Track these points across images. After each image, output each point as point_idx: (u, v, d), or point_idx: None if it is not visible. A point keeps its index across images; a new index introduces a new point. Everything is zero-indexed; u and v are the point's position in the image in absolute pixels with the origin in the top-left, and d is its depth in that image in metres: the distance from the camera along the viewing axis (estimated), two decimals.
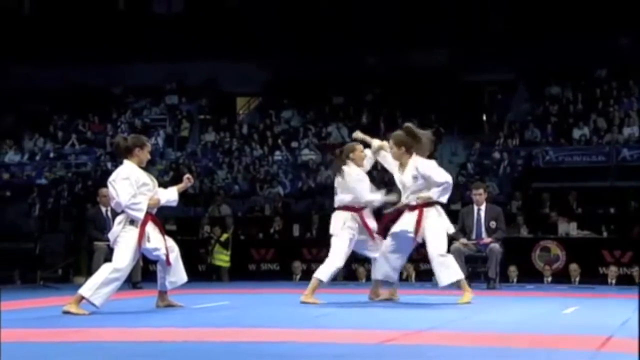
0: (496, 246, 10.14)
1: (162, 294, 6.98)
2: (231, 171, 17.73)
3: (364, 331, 5.18)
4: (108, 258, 10.31)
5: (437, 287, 7.63)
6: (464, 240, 10.15)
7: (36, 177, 18.41)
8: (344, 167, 7.54)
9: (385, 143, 7.59)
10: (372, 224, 7.54)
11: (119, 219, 6.61)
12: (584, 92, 17.80)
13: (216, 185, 17.19)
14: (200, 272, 13.22)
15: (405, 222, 7.28)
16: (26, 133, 20.00)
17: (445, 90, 18.42)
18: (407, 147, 7.26)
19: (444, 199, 7.32)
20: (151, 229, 6.63)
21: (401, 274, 12.79)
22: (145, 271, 10.98)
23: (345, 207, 7.49)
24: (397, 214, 7.44)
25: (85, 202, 15.14)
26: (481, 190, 10.52)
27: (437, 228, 7.23)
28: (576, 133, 16.58)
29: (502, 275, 10.71)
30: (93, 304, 6.30)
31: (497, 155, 16.62)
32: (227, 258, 13.49)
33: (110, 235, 6.66)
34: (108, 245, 10.38)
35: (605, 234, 13.20)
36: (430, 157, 7.53)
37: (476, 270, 10.35)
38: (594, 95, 17.64)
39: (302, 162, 17.80)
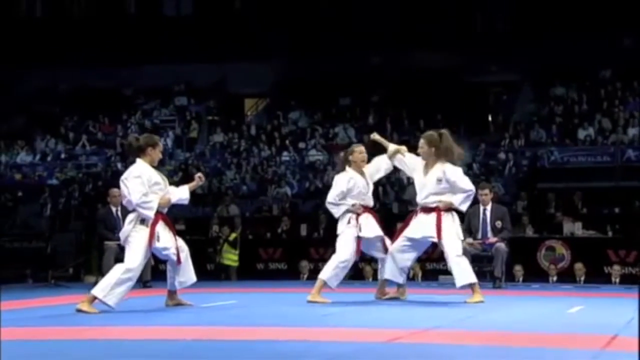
0: (502, 246, 10.22)
1: (172, 293, 7.07)
2: (239, 171, 17.84)
3: (371, 330, 5.23)
4: (118, 257, 10.47)
5: (443, 287, 7.74)
6: (470, 240, 10.22)
7: (47, 177, 18.54)
8: (347, 169, 7.69)
9: (402, 147, 7.69)
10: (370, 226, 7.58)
11: (129, 217, 6.68)
12: (589, 93, 17.83)
13: (224, 186, 17.30)
14: (209, 271, 13.31)
15: (426, 228, 7.36)
16: (38, 134, 20.15)
17: (451, 91, 18.47)
18: (437, 148, 7.36)
19: (464, 208, 7.44)
20: (161, 228, 6.69)
21: (407, 273, 12.95)
22: (155, 270, 11.10)
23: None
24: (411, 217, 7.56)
25: (96, 202, 15.26)
26: (487, 191, 10.60)
27: (452, 230, 7.37)
28: (581, 133, 16.63)
29: (507, 275, 10.76)
30: (107, 305, 6.38)
31: (502, 155, 16.68)
32: (236, 257, 13.60)
33: (121, 235, 6.74)
34: (119, 245, 10.52)
35: (610, 234, 13.24)
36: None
37: (482, 270, 10.41)
38: (598, 96, 17.67)
39: (309, 162, 17.89)
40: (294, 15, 20.52)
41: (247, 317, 6.29)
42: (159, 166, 14.66)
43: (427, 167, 7.43)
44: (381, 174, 7.85)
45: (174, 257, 6.83)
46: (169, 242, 6.77)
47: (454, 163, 7.47)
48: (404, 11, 19.56)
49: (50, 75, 20.53)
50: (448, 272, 7.88)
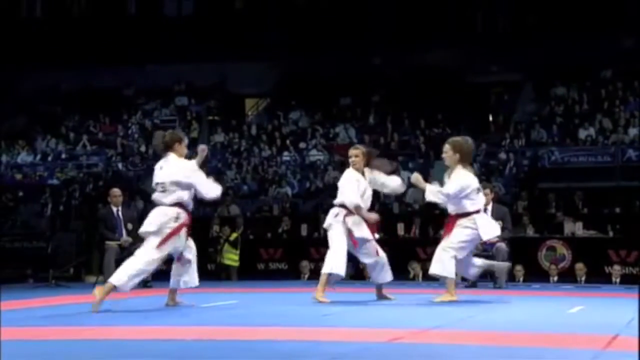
0: (502, 245, 10.23)
1: (173, 292, 7.11)
2: (240, 171, 17.85)
3: (371, 330, 5.25)
4: (118, 257, 10.51)
5: (443, 287, 7.75)
6: None
7: (48, 177, 18.57)
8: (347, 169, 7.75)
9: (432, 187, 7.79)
10: (360, 230, 7.58)
11: (170, 212, 6.73)
12: (590, 93, 17.83)
13: (225, 186, 17.29)
14: (210, 271, 13.33)
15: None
16: (38, 134, 20.18)
17: (452, 90, 18.48)
18: (462, 154, 7.52)
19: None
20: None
21: (408, 273, 12.97)
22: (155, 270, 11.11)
23: (339, 206, 7.66)
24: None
25: (97, 202, 15.28)
26: (487, 191, 10.58)
27: (461, 229, 7.53)
28: (582, 133, 16.63)
29: (508, 275, 10.78)
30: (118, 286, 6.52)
31: (503, 155, 16.68)
32: (236, 257, 13.61)
33: (156, 225, 6.74)
34: (119, 245, 10.57)
35: (610, 234, 13.25)
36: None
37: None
38: (599, 96, 17.68)
39: (309, 162, 17.91)
40: (294, 15, 20.54)
41: (247, 317, 6.31)
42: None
43: (450, 172, 7.63)
44: (379, 189, 7.85)
45: (185, 257, 6.86)
46: (180, 241, 6.85)
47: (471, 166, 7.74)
48: (405, 11, 19.57)
49: (51, 75, 20.55)
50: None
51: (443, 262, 7.53)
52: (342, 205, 7.61)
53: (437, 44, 18.83)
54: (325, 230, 7.93)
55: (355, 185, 7.59)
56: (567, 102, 17.89)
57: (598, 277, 12.09)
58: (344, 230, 7.58)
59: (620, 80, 17.81)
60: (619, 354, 4.26)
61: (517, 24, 19.28)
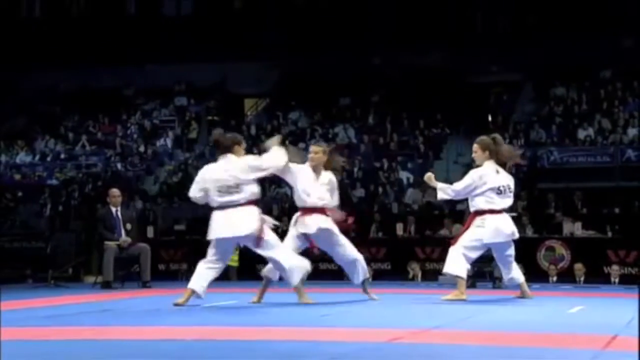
0: None
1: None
2: None
3: (371, 330, 5.25)
4: (117, 257, 10.52)
5: (443, 287, 7.77)
6: None
7: (47, 177, 18.57)
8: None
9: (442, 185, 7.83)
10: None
11: (256, 213, 6.86)
12: (589, 93, 17.85)
13: None
14: None
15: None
16: (37, 134, 20.18)
17: (451, 91, 18.50)
18: (491, 151, 7.58)
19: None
20: None
21: (407, 273, 12.99)
22: (154, 270, 11.12)
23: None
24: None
25: (96, 202, 15.28)
26: None
27: (474, 229, 7.60)
28: (581, 134, 16.65)
29: None
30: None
31: None
32: (236, 258, 13.59)
33: (254, 230, 6.84)
34: (118, 245, 10.58)
35: (609, 234, 13.27)
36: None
37: (482, 270, 10.45)
38: (598, 96, 17.70)
39: None
40: (294, 15, 20.54)
41: (247, 317, 6.31)
42: (158, 167, 14.51)
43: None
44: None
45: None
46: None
47: (508, 167, 7.74)
48: (404, 11, 19.59)
49: (50, 75, 20.56)
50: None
51: (454, 261, 7.51)
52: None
53: (436, 44, 18.85)
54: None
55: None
56: (566, 102, 17.91)
57: (597, 277, 12.11)
58: (296, 236, 7.46)
59: (619, 81, 17.83)
60: (618, 353, 4.27)
61: (517, 25, 19.31)
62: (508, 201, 7.70)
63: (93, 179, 18.23)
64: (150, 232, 14.72)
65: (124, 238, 10.63)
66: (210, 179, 6.94)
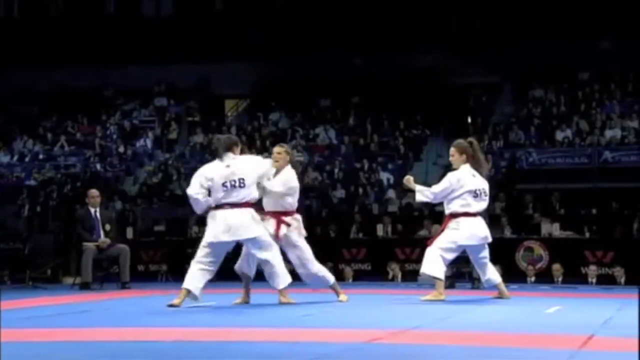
0: None
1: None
2: None
3: (350, 330, 5.27)
4: (96, 258, 10.46)
5: (422, 287, 7.82)
6: None
7: (25, 178, 18.42)
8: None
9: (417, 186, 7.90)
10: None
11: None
12: (567, 95, 18.02)
13: None
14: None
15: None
16: (15, 134, 20.00)
17: (431, 92, 18.59)
18: (467, 155, 7.70)
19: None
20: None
21: (387, 273, 13.03)
22: (133, 271, 11.07)
23: None
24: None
25: (74, 203, 15.19)
26: None
27: (449, 231, 7.68)
28: (559, 135, 16.79)
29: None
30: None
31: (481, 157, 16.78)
32: None
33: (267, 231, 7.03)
34: (97, 246, 10.52)
35: (587, 235, 13.40)
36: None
37: (460, 271, 10.52)
38: (576, 98, 17.86)
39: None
40: (275, 16, 20.54)
41: (227, 318, 6.31)
42: (138, 167, 14.40)
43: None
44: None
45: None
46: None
47: (481, 173, 7.78)
48: (384, 13, 19.65)
49: (29, 75, 20.38)
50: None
51: (432, 262, 7.59)
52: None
53: (416, 46, 18.93)
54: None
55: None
56: (544, 104, 18.06)
57: (574, 278, 12.21)
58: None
59: (596, 83, 18.01)
60: (594, 353, 4.31)
61: (495, 26, 19.43)
62: (483, 204, 7.80)
63: (72, 179, 18.11)
64: (129, 233, 14.66)
65: (103, 239, 10.57)
66: (216, 174, 6.93)
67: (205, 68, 20.12)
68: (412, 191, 8.03)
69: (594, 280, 12.11)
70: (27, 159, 19.28)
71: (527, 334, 5.11)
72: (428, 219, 13.58)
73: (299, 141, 18.56)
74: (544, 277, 12.32)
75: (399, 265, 12.87)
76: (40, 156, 19.30)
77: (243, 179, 6.89)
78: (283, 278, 7.16)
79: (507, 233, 13.37)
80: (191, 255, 14.06)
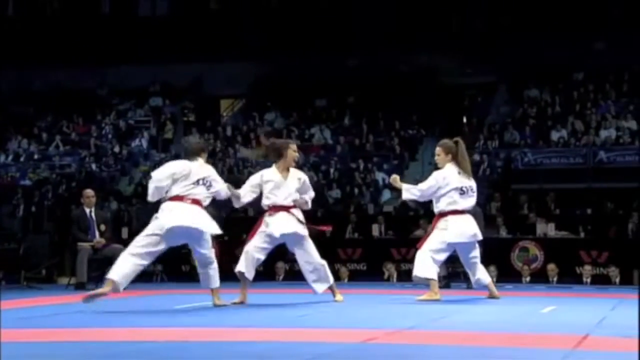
0: None
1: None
2: None
3: (346, 330, 5.28)
4: (91, 258, 10.44)
5: (417, 287, 7.83)
6: None
7: (20, 178, 18.38)
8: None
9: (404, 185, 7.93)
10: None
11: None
12: (562, 95, 18.05)
13: None
14: (184, 272, 13.27)
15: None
16: (10, 134, 19.96)
17: (427, 92, 18.62)
18: (453, 154, 7.73)
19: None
20: None
21: (383, 273, 13.05)
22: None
23: None
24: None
25: (69, 203, 15.17)
26: None
27: (437, 231, 7.72)
28: (554, 135, 16.82)
29: None
30: None
31: (476, 157, 16.79)
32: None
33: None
34: (92, 246, 10.51)
35: (582, 235, 13.43)
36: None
37: (456, 270, 10.52)
38: (571, 98, 17.90)
39: None
40: (270, 16, 20.54)
41: (221, 319, 6.30)
42: (134, 167, 14.38)
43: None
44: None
45: None
46: None
47: (467, 173, 7.80)
48: (379, 13, 19.67)
49: (24, 75, 20.35)
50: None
51: (423, 264, 7.61)
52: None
53: (411, 46, 18.95)
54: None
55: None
56: (540, 104, 18.09)
57: (569, 278, 12.25)
58: (261, 235, 7.76)
59: (591, 83, 18.04)
60: (588, 353, 4.32)
61: (490, 27, 19.47)
62: (471, 201, 7.84)
63: (67, 179, 18.08)
64: (125, 233, 14.63)
65: (98, 239, 10.56)
66: (193, 169, 6.99)
67: (201, 68, 20.11)
68: (399, 189, 8.06)
69: (589, 280, 12.15)
70: (22, 159, 19.24)
71: (522, 333, 5.12)
72: (424, 219, 13.60)
73: (294, 141, 18.55)
74: (539, 277, 12.35)
75: (395, 265, 12.88)
76: (36, 156, 19.27)
77: (211, 183, 7.08)
78: (217, 279, 7.18)
79: (503, 233, 13.39)
80: (187, 256, 14.13)
